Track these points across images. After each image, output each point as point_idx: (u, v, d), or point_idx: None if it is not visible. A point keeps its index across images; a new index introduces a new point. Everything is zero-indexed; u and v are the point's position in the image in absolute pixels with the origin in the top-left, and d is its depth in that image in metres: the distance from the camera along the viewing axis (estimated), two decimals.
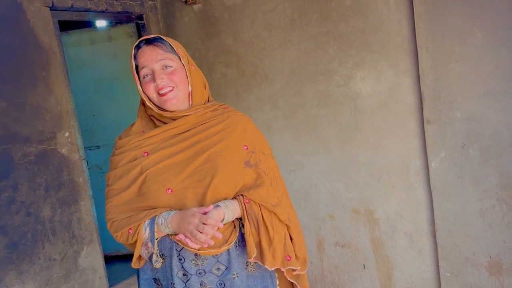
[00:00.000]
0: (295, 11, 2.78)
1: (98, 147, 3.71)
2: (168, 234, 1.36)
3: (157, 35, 1.43)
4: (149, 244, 1.35)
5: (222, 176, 1.35)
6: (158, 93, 1.38)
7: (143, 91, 1.41)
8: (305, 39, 2.78)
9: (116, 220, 1.40)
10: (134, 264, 1.42)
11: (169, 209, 1.36)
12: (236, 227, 1.40)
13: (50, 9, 2.64)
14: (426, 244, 2.61)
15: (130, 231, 1.37)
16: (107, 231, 3.79)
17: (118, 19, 3.22)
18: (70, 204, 2.65)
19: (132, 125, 1.50)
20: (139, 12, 3.27)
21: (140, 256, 1.41)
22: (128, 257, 3.70)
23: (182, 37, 3.30)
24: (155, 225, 1.33)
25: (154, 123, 1.47)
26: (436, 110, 2.37)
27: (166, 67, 1.38)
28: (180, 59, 1.41)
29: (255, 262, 1.41)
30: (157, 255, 1.37)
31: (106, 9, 3.00)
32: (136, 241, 1.36)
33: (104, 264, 2.87)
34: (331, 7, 2.65)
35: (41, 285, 2.47)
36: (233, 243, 1.37)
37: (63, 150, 2.63)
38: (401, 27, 2.45)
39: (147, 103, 1.41)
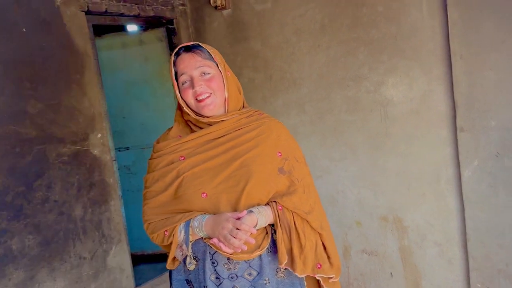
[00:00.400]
0: (325, 17, 2.78)
1: (127, 148, 3.77)
2: (202, 237, 1.38)
3: (196, 42, 1.47)
4: (184, 247, 1.38)
5: (255, 182, 1.37)
6: (196, 99, 1.42)
7: (181, 97, 1.44)
8: (335, 44, 2.77)
9: (153, 222, 1.44)
10: (169, 265, 1.46)
11: (204, 213, 1.38)
12: (269, 233, 1.41)
13: (86, 14, 2.71)
14: (456, 254, 2.56)
15: (166, 233, 1.40)
16: (134, 231, 3.86)
17: (149, 23, 3.28)
18: (101, 204, 2.71)
19: (170, 129, 1.53)
20: (169, 17, 3.33)
21: (174, 258, 1.44)
22: (154, 258, 3.77)
23: (211, 41, 3.34)
24: (190, 228, 1.36)
25: (191, 128, 1.50)
26: (469, 118, 2.33)
27: (204, 73, 1.42)
28: (217, 66, 1.44)
29: (285, 269, 1.42)
30: (191, 258, 1.40)
31: (139, 14, 3.06)
32: (171, 243, 1.40)
33: (131, 264, 2.91)
34: (362, 13, 2.64)
35: (71, 282, 2.52)
36: (265, 248, 1.39)
37: (95, 151, 2.69)
38: (434, 33, 2.42)
39: (185, 108, 1.45)
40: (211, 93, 1.41)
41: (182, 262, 1.43)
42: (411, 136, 2.57)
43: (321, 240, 1.44)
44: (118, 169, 3.02)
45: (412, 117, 2.56)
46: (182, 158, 1.43)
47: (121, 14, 2.97)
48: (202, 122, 1.45)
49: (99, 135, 2.71)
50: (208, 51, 1.44)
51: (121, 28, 3.84)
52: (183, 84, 1.43)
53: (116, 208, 2.80)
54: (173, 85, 1.46)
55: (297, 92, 2.98)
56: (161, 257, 3.72)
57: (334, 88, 2.82)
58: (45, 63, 2.47)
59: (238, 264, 1.37)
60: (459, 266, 2.56)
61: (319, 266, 1.41)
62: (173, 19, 3.36)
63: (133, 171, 3.78)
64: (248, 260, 1.38)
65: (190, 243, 1.38)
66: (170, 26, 3.39)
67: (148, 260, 3.77)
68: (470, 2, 2.26)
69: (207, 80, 1.41)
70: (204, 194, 1.37)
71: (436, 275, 2.64)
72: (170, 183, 1.41)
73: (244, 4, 3.13)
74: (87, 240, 2.62)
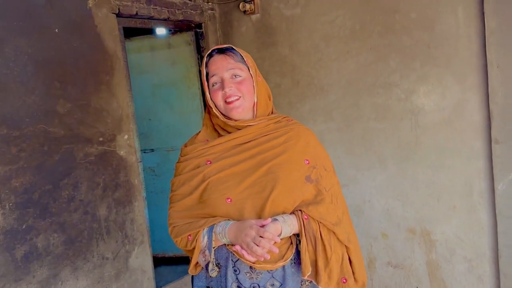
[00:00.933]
0: (356, 23, 2.74)
1: (152, 150, 3.79)
2: (225, 244, 1.36)
3: (230, 45, 1.45)
4: (207, 252, 1.36)
5: (281, 189, 1.34)
6: (225, 101, 1.40)
7: (210, 98, 1.43)
8: (365, 50, 2.72)
9: (177, 226, 1.42)
10: (191, 270, 1.43)
11: (227, 219, 1.36)
12: (293, 243, 1.37)
13: (117, 16, 2.74)
14: (487, 270, 2.46)
15: (189, 237, 1.38)
16: (157, 232, 3.86)
17: (178, 27, 3.30)
18: (125, 205, 2.71)
19: (198, 133, 1.52)
20: (198, 21, 3.34)
21: (197, 263, 1.41)
22: (175, 260, 3.76)
23: (238, 46, 3.31)
24: (213, 234, 1.34)
25: (218, 133, 1.48)
26: (505, 129, 2.24)
27: (235, 76, 1.40)
28: (249, 70, 1.43)
29: (310, 282, 1.38)
30: (213, 264, 1.37)
31: (168, 18, 3.08)
32: (194, 248, 1.37)
33: (153, 265, 2.91)
34: (394, 19, 2.58)
35: (94, 282, 2.53)
36: (289, 259, 1.35)
37: (122, 152, 2.70)
38: (470, 42, 2.35)
39: (214, 110, 1.43)
40: (240, 96, 1.40)
41: (204, 268, 1.41)
42: (443, 147, 2.49)
43: (348, 254, 1.39)
44: (143, 170, 3.04)
45: (444, 126, 2.48)
46: (209, 162, 1.41)
47: (151, 17, 2.99)
48: (230, 126, 1.43)
49: (126, 136, 2.73)
50: (240, 54, 1.43)
51: (150, 31, 3.88)
52: (213, 85, 1.42)
53: (140, 209, 2.80)
54: (203, 86, 1.45)
55: (325, 99, 2.93)
56: (182, 260, 3.71)
57: (363, 95, 2.76)
58: (75, 64, 2.50)
59: (261, 274, 1.34)
60: (489, 284, 2.46)
61: (344, 280, 1.36)
62: (202, 23, 3.37)
63: (158, 173, 3.79)
64: (271, 271, 1.34)
65: (213, 249, 1.36)
66: (199, 30, 3.40)
67: (169, 262, 3.77)
68: (508, 10, 2.19)
69: (237, 83, 1.40)
70: (229, 200, 1.35)
71: None
72: (196, 187, 1.40)
73: (273, 9, 3.11)
74: (110, 240, 2.63)
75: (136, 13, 2.86)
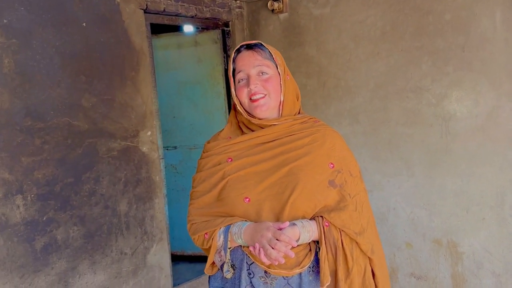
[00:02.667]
0: (387, 24, 2.65)
1: (175, 147, 3.79)
2: (241, 246, 1.32)
3: (259, 41, 1.40)
4: (222, 252, 1.32)
5: (302, 192, 1.28)
6: (250, 99, 1.36)
7: (236, 95, 1.39)
8: (396, 53, 2.63)
9: (195, 223, 1.39)
10: (207, 270, 1.39)
11: (245, 219, 1.32)
12: (312, 250, 1.30)
13: (144, 12, 2.74)
14: None
15: (206, 235, 1.34)
16: (176, 230, 3.85)
17: (205, 25, 3.28)
18: (145, 201, 2.71)
19: (221, 130, 1.48)
20: (225, 19, 3.31)
21: (213, 263, 1.38)
22: (193, 258, 3.74)
23: None
24: (229, 234, 1.30)
25: (242, 131, 1.44)
26: None
27: (262, 73, 1.36)
28: (277, 67, 1.38)
29: None
30: (228, 265, 1.33)
31: (196, 15, 3.07)
32: (210, 247, 1.34)
33: (171, 263, 2.90)
34: (428, 21, 2.48)
35: (111, 277, 2.53)
36: (306, 267, 1.28)
37: (144, 148, 2.70)
38: (507, 46, 2.24)
39: (238, 107, 1.39)
40: (265, 94, 1.35)
41: (219, 268, 1.37)
42: (474, 155, 2.39)
43: (371, 266, 1.31)
44: (165, 167, 3.03)
45: (476, 134, 2.37)
46: (230, 160, 1.37)
47: (179, 14, 2.98)
48: (254, 124, 1.39)
49: (149, 133, 2.73)
50: (269, 51, 1.38)
51: (177, 28, 3.88)
52: (239, 81, 1.38)
53: (160, 206, 2.79)
54: (229, 83, 1.42)
55: (351, 101, 2.86)
56: (200, 259, 3.70)
57: (391, 98, 2.68)
58: (101, 58, 2.51)
59: (276, 280, 1.28)
60: None
61: None
62: (229, 21, 3.35)
63: (179, 170, 3.79)
64: (286, 277, 1.28)
65: (229, 250, 1.32)
66: (226, 28, 3.37)
67: (188, 260, 3.76)
68: None
69: (263, 80, 1.35)
70: (247, 199, 1.30)
71: None
72: (215, 184, 1.36)
73: (302, 8, 3.05)
74: (129, 236, 2.63)
75: (164, 10, 2.85)
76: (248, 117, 1.38)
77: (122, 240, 2.59)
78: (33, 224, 2.21)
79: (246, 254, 1.31)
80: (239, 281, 1.31)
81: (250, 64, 1.35)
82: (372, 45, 2.73)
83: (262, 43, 1.39)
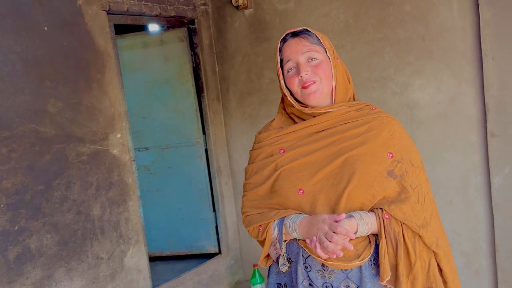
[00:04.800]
0: (350, 16, 2.70)
1: (146, 148, 3.76)
2: (296, 239, 1.27)
3: (304, 27, 1.34)
4: (277, 245, 1.29)
5: (358, 183, 1.22)
6: (302, 87, 1.30)
7: (285, 86, 1.33)
8: (360, 44, 2.69)
9: (250, 215, 1.36)
10: (261, 262, 1.36)
11: (299, 212, 1.27)
12: (372, 242, 1.24)
13: (107, 13, 2.70)
14: (484, 265, 2.45)
15: (260, 228, 1.31)
16: (152, 231, 3.81)
17: (171, 23, 3.26)
18: (119, 204, 2.69)
19: (272, 121, 1.43)
20: (191, 17, 3.30)
21: (268, 256, 1.35)
22: (171, 258, 3.74)
23: (232, 42, 3.30)
24: (283, 227, 1.26)
25: (294, 121, 1.38)
26: (501, 122, 2.22)
27: (311, 59, 1.30)
28: (326, 52, 1.32)
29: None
30: (284, 258, 1.29)
31: (160, 14, 3.04)
32: (265, 239, 1.30)
33: (149, 265, 2.89)
34: (388, 12, 2.55)
35: (88, 283, 2.51)
36: (366, 259, 1.22)
37: (115, 151, 2.67)
38: (464, 34, 2.32)
39: (288, 98, 1.33)
40: (316, 81, 1.29)
41: (275, 262, 1.34)
42: (438, 141, 2.47)
43: (436, 260, 1.24)
44: (137, 169, 3.00)
45: (439, 121, 2.46)
46: (282, 151, 1.33)
47: (143, 14, 2.95)
48: (306, 114, 1.33)
49: (119, 135, 2.70)
50: (316, 36, 1.32)
51: (142, 28, 3.84)
52: (288, 71, 1.31)
53: (135, 209, 2.78)
54: (277, 73, 1.35)
55: None
56: (179, 258, 3.70)
57: (357, 89, 2.72)
58: (65, 62, 2.46)
59: (334, 273, 1.24)
60: (486, 278, 2.44)
61: None
62: (195, 19, 3.34)
63: (153, 171, 3.77)
64: (345, 270, 1.23)
65: (284, 243, 1.27)
66: (191, 26, 3.36)
67: (165, 260, 3.75)
68: (503, 1, 2.16)
69: (314, 67, 1.29)
70: (301, 191, 1.26)
71: (462, 286, 2.52)
72: (268, 176, 1.32)
73: (266, 4, 3.07)
74: (105, 240, 2.61)
75: (127, 10, 2.82)
76: (300, 108, 1.32)
77: (97, 245, 2.57)
78: (4, 234, 2.16)
79: (302, 247, 1.26)
80: (296, 275, 1.27)
81: (298, 51, 1.29)
82: (336, 38, 2.78)
83: (308, 28, 1.33)
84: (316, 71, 1.29)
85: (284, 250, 1.28)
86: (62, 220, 2.40)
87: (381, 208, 1.22)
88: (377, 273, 1.24)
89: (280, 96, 1.41)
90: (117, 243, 2.67)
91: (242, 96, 3.32)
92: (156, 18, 3.10)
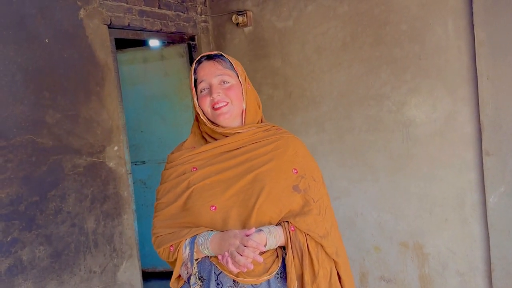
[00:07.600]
0: (347, 35, 2.74)
1: (143, 162, 3.76)
2: (208, 256, 1.31)
3: (219, 52, 1.43)
4: (189, 265, 1.30)
5: (267, 197, 1.29)
6: (213, 107, 1.36)
7: (198, 105, 1.40)
8: (357, 62, 2.72)
9: (160, 235, 1.37)
10: (173, 284, 1.37)
11: (210, 229, 1.30)
12: (279, 256, 1.31)
13: (108, 27, 2.73)
14: (480, 284, 2.43)
15: (171, 248, 1.33)
16: (146, 246, 3.79)
17: (171, 39, 3.30)
18: (114, 217, 2.67)
19: (185, 141, 1.48)
20: (191, 33, 3.34)
21: (179, 276, 1.36)
22: (164, 274, 3.70)
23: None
24: (195, 245, 1.29)
25: (206, 140, 1.44)
26: (496, 141, 2.23)
27: (223, 82, 1.37)
28: (238, 77, 1.40)
29: None
30: (196, 277, 1.31)
31: (161, 29, 3.08)
32: (176, 260, 1.32)
33: (142, 280, 2.85)
34: (385, 31, 2.59)
35: None
36: (274, 273, 1.29)
37: (111, 164, 2.67)
38: (460, 53, 2.35)
39: (201, 116, 1.39)
40: (228, 102, 1.36)
41: (186, 281, 1.35)
42: (435, 159, 2.48)
43: (336, 269, 1.33)
44: (134, 183, 3.00)
45: (435, 138, 2.47)
46: (194, 169, 1.37)
47: (144, 29, 2.99)
48: (217, 133, 1.40)
49: (116, 148, 2.70)
50: (229, 61, 1.40)
51: (143, 43, 3.88)
52: (201, 91, 1.39)
53: (129, 222, 2.76)
54: (191, 93, 1.42)
55: (317, 110, 2.92)
56: (172, 274, 3.65)
57: (354, 107, 2.76)
58: (65, 74, 2.48)
59: None
60: None
61: None
62: (195, 35, 3.38)
63: (149, 185, 3.76)
64: (255, 285, 1.27)
65: (195, 261, 1.29)
66: (192, 42, 3.40)
67: (158, 277, 3.71)
68: (498, 22, 2.20)
69: (226, 89, 1.37)
70: (214, 207, 1.30)
71: None
72: (180, 194, 1.35)
73: (265, 22, 3.12)
74: (98, 254, 2.58)
75: (128, 25, 2.86)
76: (212, 126, 1.39)
77: (90, 258, 2.54)
78: None
79: (214, 264, 1.29)
80: None
81: (211, 74, 1.36)
82: (334, 56, 2.81)
83: (223, 53, 1.41)
84: (227, 93, 1.36)
85: (196, 269, 1.30)
86: (55, 232, 2.39)
87: (287, 221, 1.29)
88: (284, 285, 1.31)
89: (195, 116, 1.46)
90: (110, 257, 2.64)
91: None
92: (157, 33, 3.14)
